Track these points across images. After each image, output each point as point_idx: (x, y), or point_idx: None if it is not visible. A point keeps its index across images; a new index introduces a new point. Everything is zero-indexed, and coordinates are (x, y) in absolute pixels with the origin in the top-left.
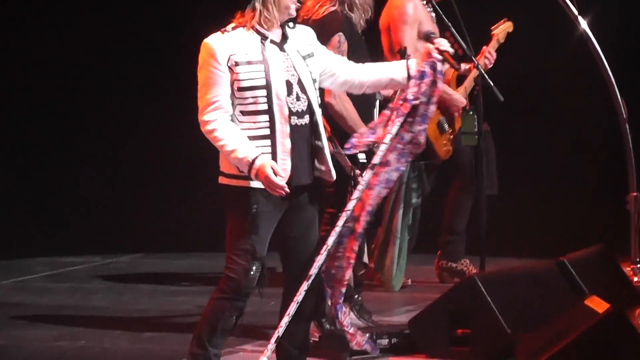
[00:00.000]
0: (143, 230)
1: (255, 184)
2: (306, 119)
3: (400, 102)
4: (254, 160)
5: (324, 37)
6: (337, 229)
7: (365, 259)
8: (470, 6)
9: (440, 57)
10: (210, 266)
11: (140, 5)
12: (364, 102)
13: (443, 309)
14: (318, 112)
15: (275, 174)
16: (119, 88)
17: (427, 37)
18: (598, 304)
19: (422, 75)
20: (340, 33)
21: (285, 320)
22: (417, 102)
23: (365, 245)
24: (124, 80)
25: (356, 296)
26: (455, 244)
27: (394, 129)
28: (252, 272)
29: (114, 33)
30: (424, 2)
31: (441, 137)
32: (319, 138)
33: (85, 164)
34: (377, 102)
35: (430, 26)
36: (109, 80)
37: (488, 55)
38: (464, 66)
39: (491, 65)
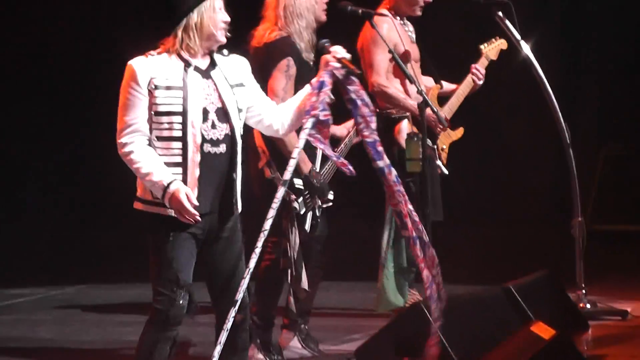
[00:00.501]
0: (87, 261)
1: (170, 212)
2: (222, 148)
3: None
4: (168, 185)
5: (273, 60)
6: (257, 250)
7: (304, 284)
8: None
9: (338, 64)
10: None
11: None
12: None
13: (390, 336)
14: (238, 143)
15: (189, 201)
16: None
17: (321, 47)
18: (544, 330)
19: (321, 85)
20: (290, 57)
21: (217, 349)
22: (315, 112)
23: (304, 271)
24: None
25: (302, 325)
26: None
27: (300, 142)
28: (178, 301)
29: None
30: (401, 21)
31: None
32: (234, 169)
33: (29, 193)
34: None
35: (408, 47)
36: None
37: (475, 71)
38: (447, 85)
39: (481, 82)
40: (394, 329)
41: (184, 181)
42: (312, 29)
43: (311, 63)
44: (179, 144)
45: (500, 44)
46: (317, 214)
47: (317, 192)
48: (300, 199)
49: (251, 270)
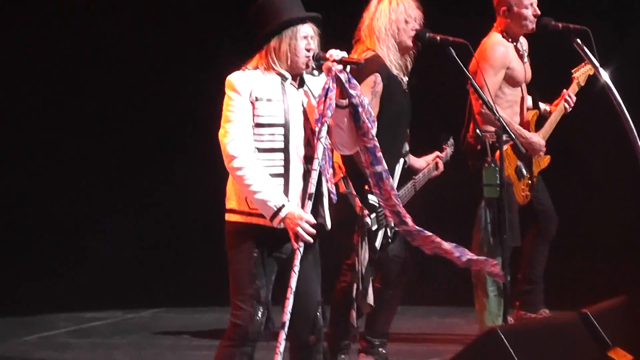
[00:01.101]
0: (164, 285)
1: (262, 221)
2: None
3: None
4: (280, 209)
5: (362, 76)
6: (296, 268)
7: (370, 299)
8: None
9: (339, 66)
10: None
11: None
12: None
13: None
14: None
15: (306, 221)
16: (141, 141)
17: (317, 59)
18: (622, 356)
19: (326, 91)
20: (377, 74)
21: None
22: (325, 119)
23: (370, 287)
24: (147, 133)
25: (380, 349)
26: (534, 294)
27: (318, 151)
28: (257, 317)
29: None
30: (515, 43)
31: (519, 182)
32: (322, 185)
33: (107, 219)
34: (401, 161)
35: (520, 69)
36: (129, 130)
37: (568, 98)
38: (543, 107)
39: (570, 109)
40: (469, 354)
41: (285, 193)
42: (397, 52)
43: (402, 83)
44: (280, 155)
45: (589, 69)
46: (389, 234)
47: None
48: (373, 215)
49: (293, 289)
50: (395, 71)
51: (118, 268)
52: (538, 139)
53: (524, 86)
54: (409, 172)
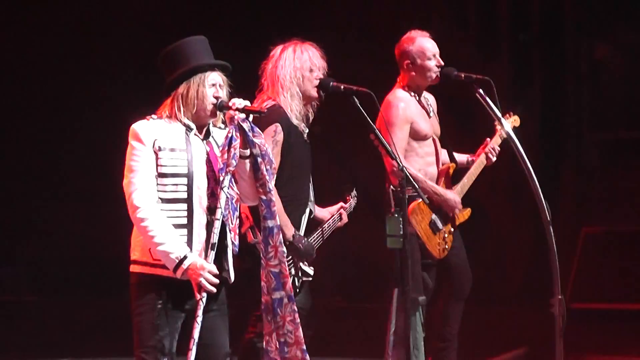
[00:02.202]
0: (67, 335)
1: (166, 272)
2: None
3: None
4: (182, 260)
5: (262, 126)
6: (198, 319)
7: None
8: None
9: (242, 115)
10: None
11: None
12: (295, 209)
13: None
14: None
15: (209, 272)
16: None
17: (220, 108)
18: None
19: (229, 141)
20: (278, 124)
21: None
22: (230, 168)
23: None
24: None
25: None
26: (447, 351)
27: (221, 201)
28: None
29: None
30: (417, 97)
31: (435, 236)
32: (225, 236)
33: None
34: (308, 210)
35: (426, 122)
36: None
37: (491, 150)
38: (465, 157)
39: (493, 160)
40: None
41: (189, 243)
42: (300, 100)
43: (304, 133)
44: (184, 206)
45: (514, 120)
46: (297, 284)
47: (302, 256)
48: None
49: (196, 340)
50: (295, 121)
51: (20, 317)
52: (453, 195)
53: (435, 140)
54: (313, 223)
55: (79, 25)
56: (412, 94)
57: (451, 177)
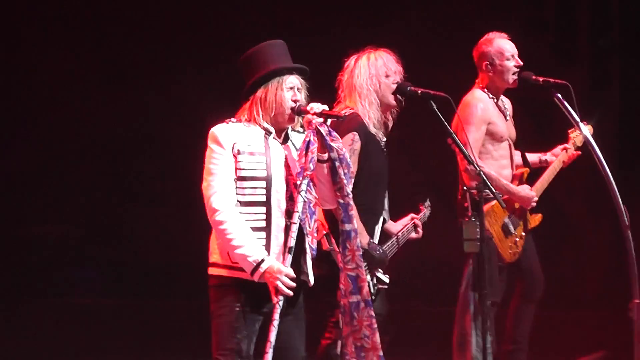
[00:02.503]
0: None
1: (244, 275)
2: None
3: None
4: (259, 264)
5: (339, 134)
6: (275, 322)
7: None
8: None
9: (320, 119)
10: None
11: None
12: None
13: None
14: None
15: (286, 275)
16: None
17: (298, 112)
18: None
19: (307, 145)
20: (355, 132)
21: None
22: (307, 172)
23: None
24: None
25: None
26: (517, 354)
27: (298, 205)
28: None
29: None
30: (496, 100)
31: (506, 239)
32: (303, 240)
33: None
34: (381, 220)
35: (502, 124)
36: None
37: (570, 154)
38: (537, 156)
39: (570, 163)
40: None
41: (267, 246)
42: (378, 108)
43: (381, 141)
44: (262, 209)
45: (589, 129)
46: (372, 291)
47: (376, 263)
48: None
49: (272, 344)
50: (373, 129)
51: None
52: (527, 192)
53: (510, 143)
54: (384, 233)
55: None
56: (491, 95)
57: (525, 181)
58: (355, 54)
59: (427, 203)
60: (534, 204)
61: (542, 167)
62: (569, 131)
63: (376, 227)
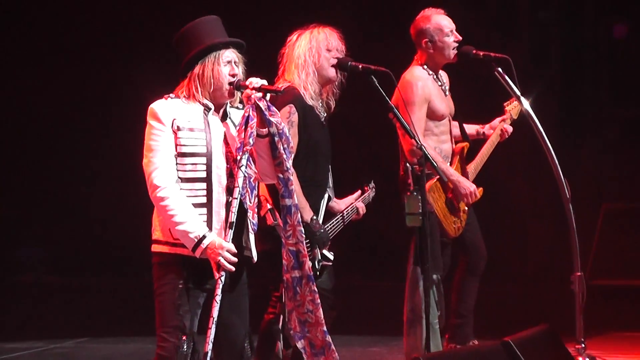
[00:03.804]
0: (86, 315)
1: (186, 252)
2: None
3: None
4: (201, 240)
5: (277, 108)
6: (217, 298)
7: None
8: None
9: (259, 94)
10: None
11: None
12: (313, 191)
13: None
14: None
15: (228, 251)
16: (55, 167)
17: (237, 87)
18: None
19: (246, 120)
20: (292, 105)
21: None
22: (247, 147)
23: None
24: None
25: None
26: (463, 327)
27: (239, 181)
28: (183, 349)
29: None
30: (435, 76)
31: (451, 215)
32: (245, 216)
33: (26, 246)
34: (326, 195)
35: (442, 102)
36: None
37: (505, 128)
38: (475, 127)
39: (507, 137)
40: None
41: (208, 222)
42: (317, 80)
43: (321, 115)
44: (203, 185)
45: (515, 106)
46: (317, 267)
47: (317, 242)
48: None
49: (215, 319)
50: (311, 101)
51: (39, 297)
52: (468, 183)
53: (450, 118)
54: (329, 212)
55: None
56: (430, 72)
57: (465, 156)
58: (299, 30)
59: (372, 185)
60: (472, 197)
61: (479, 139)
62: (505, 104)
63: (322, 202)
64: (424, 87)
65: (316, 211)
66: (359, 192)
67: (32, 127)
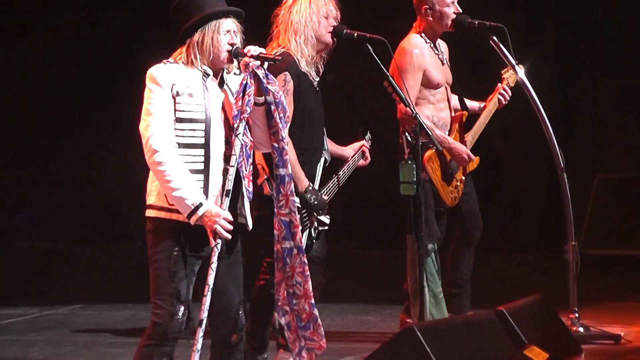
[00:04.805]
0: (80, 281)
1: (182, 218)
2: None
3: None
4: (197, 207)
5: (272, 74)
6: (213, 265)
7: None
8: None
9: (257, 62)
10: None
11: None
12: (309, 158)
13: (382, 359)
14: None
15: (224, 219)
16: (51, 134)
17: (235, 55)
18: (537, 354)
19: (244, 88)
20: (287, 72)
21: None
22: (244, 115)
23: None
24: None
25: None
26: (460, 297)
27: (236, 149)
28: (178, 316)
29: None
30: (432, 45)
31: (448, 185)
32: (241, 183)
33: (20, 214)
34: (322, 160)
35: (439, 71)
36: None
37: (503, 92)
38: (476, 104)
39: (505, 103)
40: (386, 351)
41: (205, 188)
42: (313, 46)
43: (314, 81)
44: (201, 151)
45: (511, 75)
46: (313, 235)
47: (314, 210)
48: (298, 216)
49: (211, 287)
50: (305, 67)
51: (33, 264)
52: (463, 147)
53: (447, 88)
54: (335, 162)
55: None
56: (427, 40)
57: (464, 123)
58: None
59: (368, 136)
60: (467, 159)
61: (479, 114)
62: (502, 72)
63: (318, 167)
64: (420, 55)
65: (312, 177)
66: (363, 141)
67: (28, 91)
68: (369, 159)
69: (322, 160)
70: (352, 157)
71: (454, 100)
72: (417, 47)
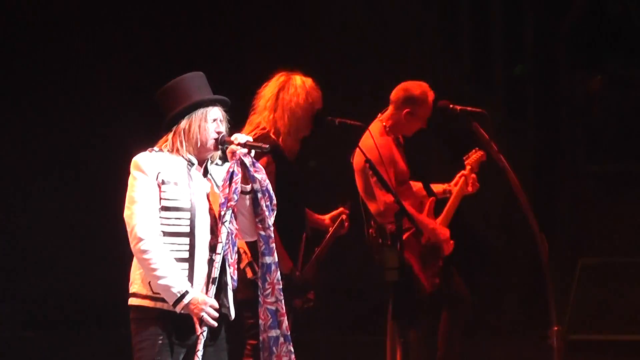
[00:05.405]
0: None
1: (167, 306)
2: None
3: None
4: (183, 295)
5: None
6: (199, 353)
7: None
8: None
9: (244, 150)
10: None
11: None
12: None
13: None
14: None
15: (211, 306)
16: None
17: (222, 143)
18: None
19: (231, 176)
20: (269, 154)
21: None
22: (231, 202)
23: None
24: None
25: None
26: None
27: (222, 236)
28: None
29: None
30: (396, 140)
31: (426, 268)
32: (225, 273)
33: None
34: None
35: (404, 164)
36: None
37: (467, 179)
38: (441, 187)
39: (474, 190)
40: None
41: (190, 277)
42: (298, 130)
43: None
44: (186, 240)
45: (480, 156)
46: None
47: (297, 292)
48: None
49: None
50: (284, 146)
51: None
52: (443, 229)
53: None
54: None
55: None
56: (392, 135)
57: (434, 210)
58: (285, 72)
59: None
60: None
61: (446, 197)
62: (464, 158)
63: (300, 243)
64: (390, 148)
65: (294, 259)
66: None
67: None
68: (347, 226)
69: (304, 236)
70: (334, 228)
71: (418, 187)
72: (386, 140)
